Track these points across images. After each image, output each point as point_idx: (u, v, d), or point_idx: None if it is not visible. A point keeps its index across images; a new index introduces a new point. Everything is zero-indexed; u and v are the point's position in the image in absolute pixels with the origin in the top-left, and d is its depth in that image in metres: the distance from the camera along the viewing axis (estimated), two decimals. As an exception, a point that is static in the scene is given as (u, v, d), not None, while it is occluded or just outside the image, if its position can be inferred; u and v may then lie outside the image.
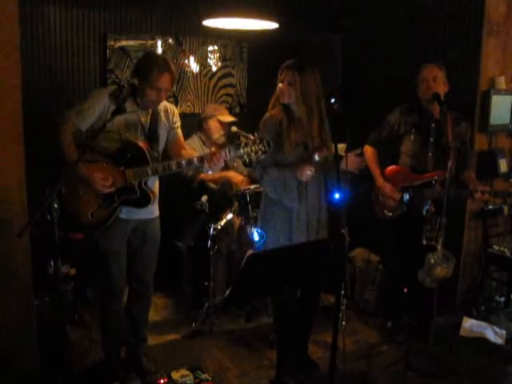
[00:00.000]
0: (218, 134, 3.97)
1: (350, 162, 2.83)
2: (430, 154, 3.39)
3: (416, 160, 3.44)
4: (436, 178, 3.33)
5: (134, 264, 2.99)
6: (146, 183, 2.78)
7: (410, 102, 3.51)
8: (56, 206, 2.33)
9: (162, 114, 2.92)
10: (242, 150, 2.59)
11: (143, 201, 2.78)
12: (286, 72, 2.88)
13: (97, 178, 2.66)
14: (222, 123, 3.97)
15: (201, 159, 2.67)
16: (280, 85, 2.91)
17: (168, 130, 2.96)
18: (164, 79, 2.71)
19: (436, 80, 3.32)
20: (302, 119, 2.91)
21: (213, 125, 3.97)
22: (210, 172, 2.88)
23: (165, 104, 2.96)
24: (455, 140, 3.27)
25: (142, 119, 2.82)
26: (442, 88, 3.33)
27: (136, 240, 2.94)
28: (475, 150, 3.85)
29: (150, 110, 2.84)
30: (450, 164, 2.98)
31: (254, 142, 2.59)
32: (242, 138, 2.61)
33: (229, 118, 4.00)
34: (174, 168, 2.69)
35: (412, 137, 3.44)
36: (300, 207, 2.95)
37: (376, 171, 3.53)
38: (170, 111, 2.96)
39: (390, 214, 3.50)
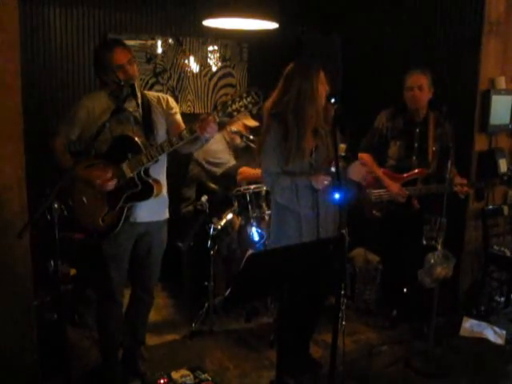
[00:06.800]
0: (240, 139, 3.91)
1: (357, 172, 2.83)
2: (414, 158, 3.54)
3: (401, 163, 3.57)
4: (418, 176, 3.49)
5: (138, 270, 2.92)
6: (146, 173, 2.69)
7: (396, 104, 3.60)
8: (56, 205, 2.33)
9: (155, 102, 2.84)
10: (229, 109, 2.45)
11: (146, 192, 2.69)
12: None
13: (95, 175, 2.63)
14: (246, 128, 3.94)
15: (190, 130, 2.53)
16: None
17: (165, 117, 2.86)
18: (117, 55, 2.62)
19: (421, 88, 3.43)
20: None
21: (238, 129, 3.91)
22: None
23: (157, 95, 2.90)
24: (438, 141, 3.48)
25: (131, 109, 2.71)
26: (426, 95, 3.45)
27: (142, 246, 2.87)
28: (475, 150, 3.86)
29: (139, 100, 2.74)
30: (449, 164, 3.10)
31: (241, 97, 2.44)
32: (227, 97, 2.52)
33: (254, 123, 3.92)
34: (166, 147, 2.58)
35: (397, 142, 3.57)
36: (312, 214, 2.88)
37: (380, 174, 3.55)
38: (162, 99, 2.88)
39: (379, 213, 3.59)
